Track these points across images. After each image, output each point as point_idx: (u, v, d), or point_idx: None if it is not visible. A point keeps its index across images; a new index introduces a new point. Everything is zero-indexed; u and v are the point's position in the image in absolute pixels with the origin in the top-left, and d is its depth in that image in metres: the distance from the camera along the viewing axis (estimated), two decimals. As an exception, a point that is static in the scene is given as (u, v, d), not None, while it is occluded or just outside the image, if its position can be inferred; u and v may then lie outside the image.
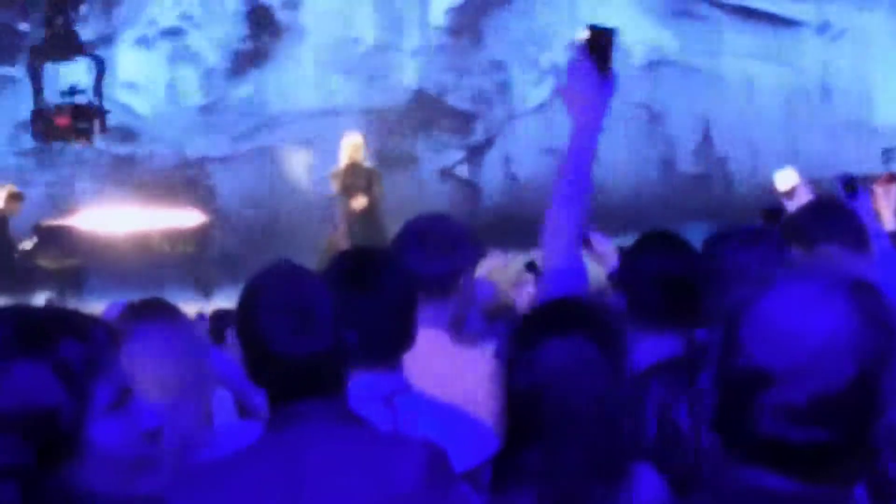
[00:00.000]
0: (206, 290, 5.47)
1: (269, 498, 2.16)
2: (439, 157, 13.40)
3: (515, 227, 7.28)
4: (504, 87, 13.63)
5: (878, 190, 4.74)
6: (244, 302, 2.16)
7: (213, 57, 13.36)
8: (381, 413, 2.37)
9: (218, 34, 13.38)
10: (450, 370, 2.67)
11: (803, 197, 5.20)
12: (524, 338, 2.35)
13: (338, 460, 2.16)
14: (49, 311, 1.86)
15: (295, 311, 2.12)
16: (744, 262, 2.70)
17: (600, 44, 2.84)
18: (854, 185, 4.38)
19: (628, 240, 3.43)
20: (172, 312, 2.76)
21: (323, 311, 2.12)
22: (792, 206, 5.18)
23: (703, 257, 2.89)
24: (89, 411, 1.59)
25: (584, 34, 2.85)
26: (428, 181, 13.04)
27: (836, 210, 3.46)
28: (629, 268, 3.09)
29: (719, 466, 1.69)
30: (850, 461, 1.57)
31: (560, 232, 2.82)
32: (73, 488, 1.60)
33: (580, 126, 2.81)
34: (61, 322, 1.63)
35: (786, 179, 5.85)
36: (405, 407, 2.47)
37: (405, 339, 2.48)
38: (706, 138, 13.68)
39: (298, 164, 12.57)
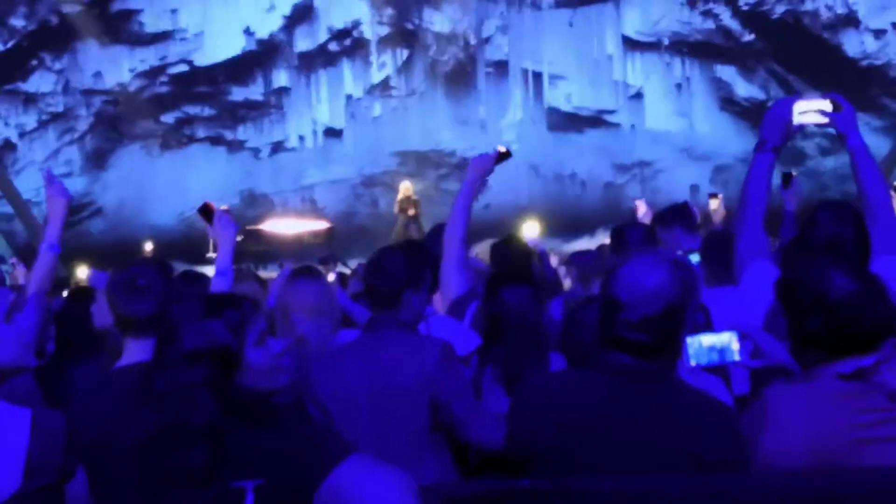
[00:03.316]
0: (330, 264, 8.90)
1: (361, 372, 3.21)
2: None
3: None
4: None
5: None
6: None
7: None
8: (421, 324, 3.56)
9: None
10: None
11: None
12: (493, 287, 3.69)
13: (395, 349, 3.22)
14: (220, 295, 2.57)
15: (377, 263, 3.40)
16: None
17: (504, 156, 4.29)
18: (788, 179, 5.58)
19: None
20: (316, 272, 4.11)
21: (393, 266, 3.34)
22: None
23: None
24: (245, 346, 2.21)
25: (502, 149, 4.32)
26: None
27: (683, 208, 4.95)
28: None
29: (597, 351, 2.44)
30: (663, 351, 2.37)
31: (455, 237, 4.18)
32: (239, 387, 2.20)
33: (470, 183, 4.21)
34: (227, 300, 2.30)
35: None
36: (434, 321, 3.78)
37: (435, 285, 3.80)
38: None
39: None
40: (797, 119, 3.03)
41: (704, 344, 2.58)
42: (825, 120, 3.04)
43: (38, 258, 3.65)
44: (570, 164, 20.48)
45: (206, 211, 3.78)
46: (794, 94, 3.20)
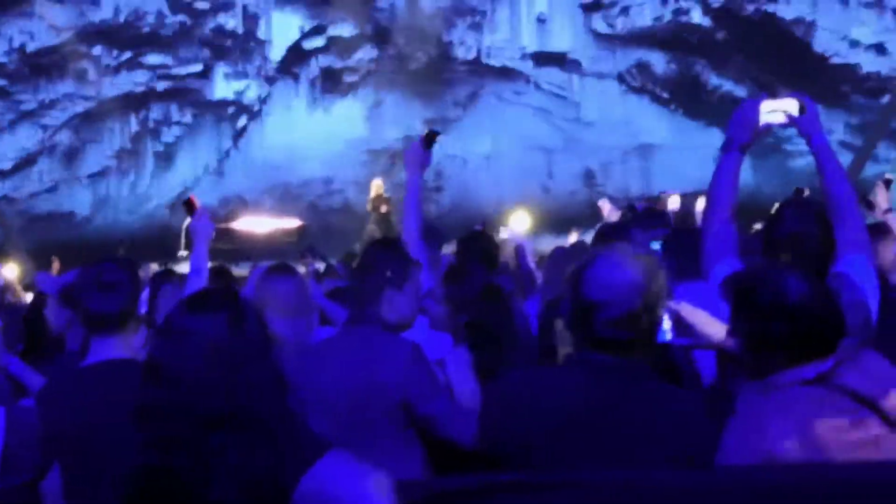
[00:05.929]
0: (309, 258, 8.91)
1: (337, 368, 3.24)
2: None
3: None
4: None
5: None
6: None
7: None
8: None
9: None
10: None
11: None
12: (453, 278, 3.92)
13: (369, 347, 3.25)
14: (212, 290, 2.53)
15: (361, 260, 3.44)
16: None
17: (431, 137, 4.20)
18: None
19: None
20: (292, 270, 4.06)
21: (374, 263, 3.37)
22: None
23: None
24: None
25: (425, 132, 4.22)
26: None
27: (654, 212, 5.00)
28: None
29: (575, 349, 2.47)
30: (640, 348, 2.38)
31: (411, 234, 4.05)
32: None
33: (413, 179, 4.11)
34: (221, 294, 2.29)
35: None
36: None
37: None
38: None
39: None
40: (764, 118, 3.09)
41: None
42: (792, 116, 3.09)
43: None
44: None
45: (189, 204, 3.87)
46: (762, 94, 3.22)
